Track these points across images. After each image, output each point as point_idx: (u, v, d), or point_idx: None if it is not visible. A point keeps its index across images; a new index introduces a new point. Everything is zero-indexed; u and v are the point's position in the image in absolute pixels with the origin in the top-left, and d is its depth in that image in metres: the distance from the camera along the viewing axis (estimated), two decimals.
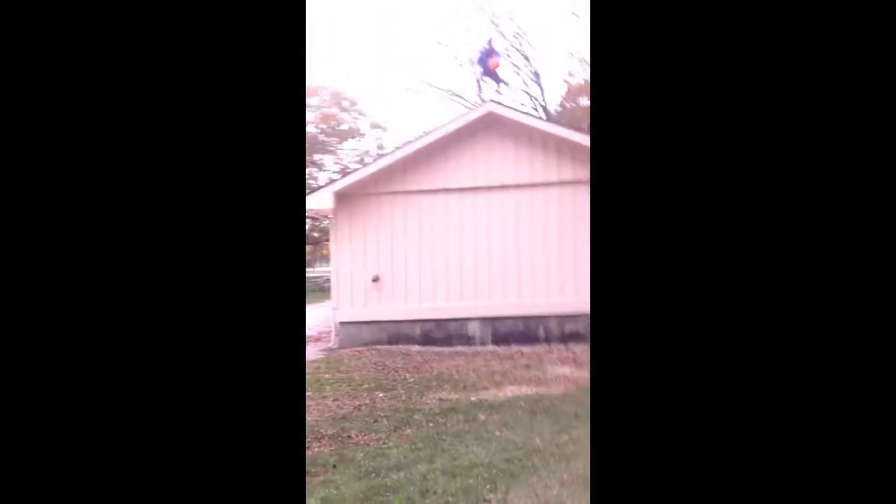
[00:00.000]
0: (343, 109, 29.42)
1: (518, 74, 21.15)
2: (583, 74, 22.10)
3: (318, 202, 9.39)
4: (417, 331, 9.20)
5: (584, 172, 9.17)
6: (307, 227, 25.37)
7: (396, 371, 7.25)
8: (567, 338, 8.90)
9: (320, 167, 29.03)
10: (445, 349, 8.75)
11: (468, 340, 9.12)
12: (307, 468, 3.89)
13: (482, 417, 5.11)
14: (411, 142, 9.80)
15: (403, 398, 5.92)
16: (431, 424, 4.97)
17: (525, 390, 6.09)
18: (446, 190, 9.41)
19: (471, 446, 4.33)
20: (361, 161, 24.92)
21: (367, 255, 9.37)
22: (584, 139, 9.44)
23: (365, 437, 4.68)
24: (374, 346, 8.96)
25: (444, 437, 4.60)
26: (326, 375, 7.03)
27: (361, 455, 4.25)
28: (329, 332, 9.58)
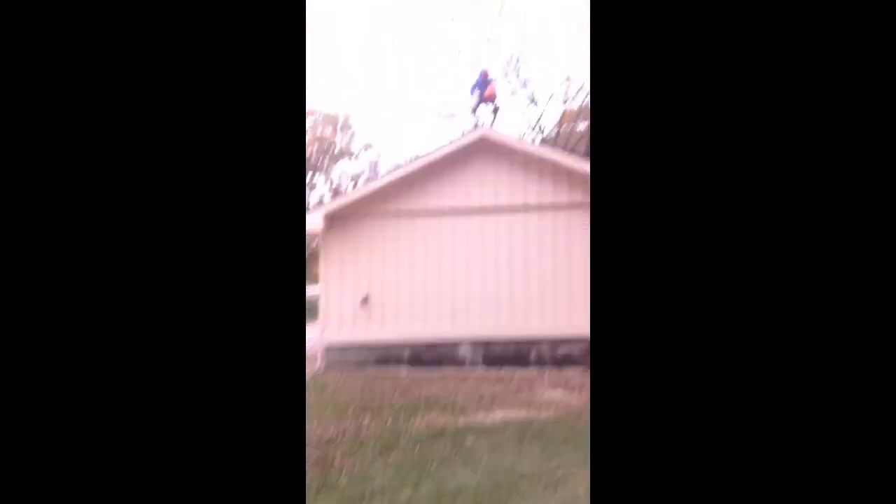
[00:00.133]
0: (336, 130, 29.54)
1: (514, 97, 21.28)
2: (579, 100, 22.27)
3: (308, 223, 9.32)
4: (406, 353, 9.08)
5: (579, 196, 9.17)
6: None
7: (384, 394, 7.11)
8: (559, 361, 8.79)
9: (312, 187, 29.06)
10: (435, 372, 8.62)
11: (458, 363, 8.99)
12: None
13: (470, 442, 4.99)
14: (404, 164, 9.77)
15: (390, 422, 5.79)
16: (418, 449, 4.85)
17: (515, 414, 5.97)
18: (439, 212, 9.36)
19: (458, 472, 4.22)
20: (354, 182, 24.95)
21: (356, 276, 9.27)
22: (579, 163, 9.46)
23: (349, 462, 4.55)
24: (361, 368, 8.83)
25: (430, 461, 4.49)
26: (311, 398, 6.90)
27: (345, 480, 4.13)
28: (315, 354, 9.44)
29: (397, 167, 10.20)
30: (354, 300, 9.19)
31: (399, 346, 9.07)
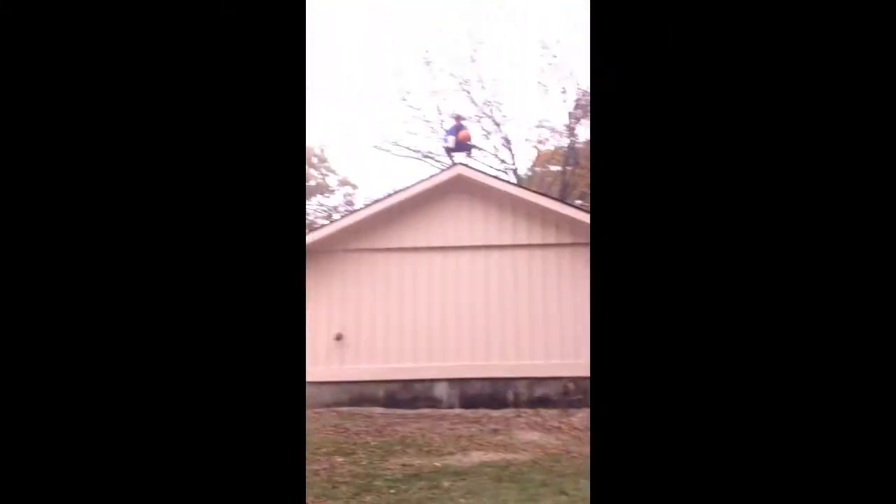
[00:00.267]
0: (311, 165, 29.55)
1: (488, 139, 21.54)
2: (553, 142, 22.62)
3: None
4: (381, 392, 8.92)
5: (553, 237, 9.21)
6: None
7: (358, 434, 6.96)
8: (536, 402, 8.70)
9: None
10: (410, 411, 8.47)
11: (434, 403, 8.84)
12: None
13: (446, 484, 4.87)
14: (380, 200, 9.77)
15: (364, 463, 5.65)
16: (393, 491, 4.72)
17: (492, 456, 5.87)
18: (415, 249, 9.32)
19: None
20: (329, 217, 24.89)
21: (330, 313, 9.14)
22: (553, 204, 9.55)
23: None
24: (335, 408, 8.64)
25: None
26: None
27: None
28: None
29: (373, 202, 10.19)
30: (328, 337, 9.04)
31: (373, 385, 8.92)
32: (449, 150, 10.71)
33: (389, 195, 9.69)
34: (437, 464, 5.57)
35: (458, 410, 8.58)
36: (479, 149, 20.63)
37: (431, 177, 9.75)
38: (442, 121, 21.28)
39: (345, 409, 8.63)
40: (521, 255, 9.25)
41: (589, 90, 19.71)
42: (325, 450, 6.14)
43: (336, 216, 22.13)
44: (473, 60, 20.79)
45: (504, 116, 21.26)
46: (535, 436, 6.89)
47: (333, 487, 4.82)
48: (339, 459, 5.77)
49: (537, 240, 9.26)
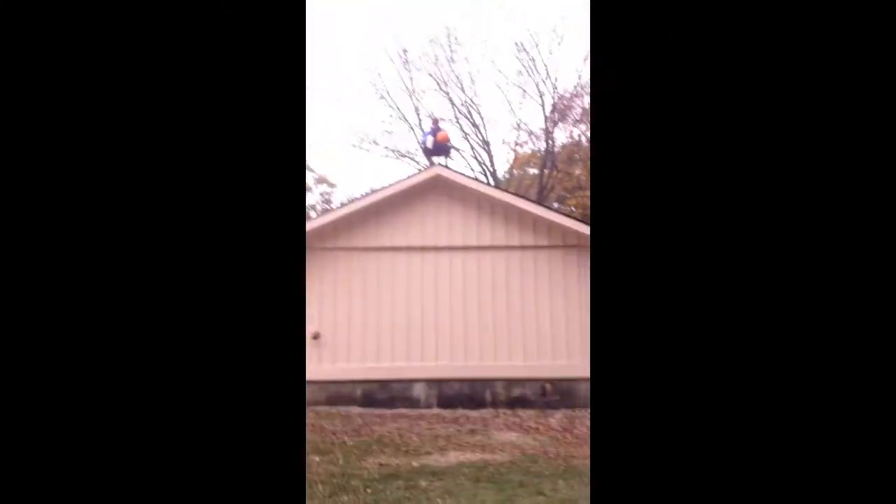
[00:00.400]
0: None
1: (467, 141, 21.57)
2: (530, 145, 22.72)
3: None
4: (359, 392, 8.88)
5: (531, 239, 9.26)
6: None
7: (335, 434, 6.91)
8: (514, 402, 8.73)
9: None
10: (388, 411, 8.45)
11: (412, 403, 8.83)
12: None
13: (424, 484, 4.86)
14: (358, 199, 9.73)
15: (341, 463, 5.61)
16: (370, 491, 4.70)
17: (469, 456, 5.87)
18: (393, 249, 9.30)
19: None
20: (308, 216, 24.71)
21: (308, 312, 9.06)
22: (531, 206, 9.60)
23: None
24: (312, 408, 8.58)
25: None
26: None
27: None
28: None
29: (351, 201, 10.15)
30: (306, 336, 8.98)
31: (351, 385, 8.88)
32: (427, 152, 10.70)
33: (367, 194, 9.67)
34: (415, 464, 5.56)
35: (436, 410, 8.58)
36: (457, 150, 20.68)
37: (410, 177, 9.74)
38: (420, 121, 21.29)
39: (322, 408, 8.58)
40: (499, 256, 9.27)
41: (562, 93, 19.88)
42: None
43: (313, 214, 21.95)
44: (452, 61, 20.81)
45: (482, 118, 21.32)
46: (512, 436, 6.90)
47: (310, 487, 4.78)
48: (316, 459, 5.73)
49: (515, 242, 9.30)
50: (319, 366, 8.91)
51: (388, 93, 21.45)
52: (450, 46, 20.77)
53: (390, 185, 9.47)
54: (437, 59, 20.85)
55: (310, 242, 9.19)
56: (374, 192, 9.62)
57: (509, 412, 8.39)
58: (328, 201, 28.54)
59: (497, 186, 17.14)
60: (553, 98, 20.52)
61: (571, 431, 7.22)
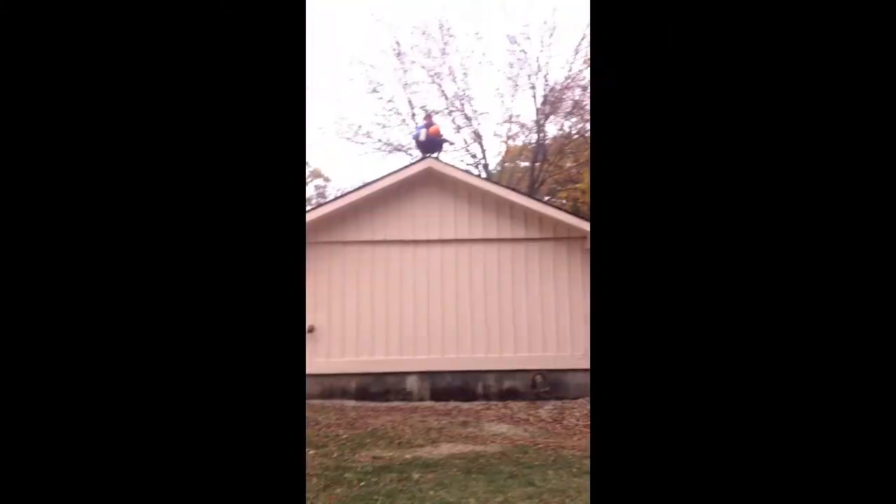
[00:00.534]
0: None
1: (459, 133, 21.58)
2: (522, 138, 22.73)
3: None
4: (353, 385, 8.97)
5: (522, 231, 9.33)
6: None
7: (329, 427, 7.00)
8: (505, 394, 8.83)
9: None
10: (382, 404, 8.54)
11: (406, 395, 8.93)
12: None
13: (416, 476, 4.95)
14: (349, 192, 9.76)
15: (335, 455, 5.70)
16: (363, 483, 4.78)
17: (461, 448, 5.96)
18: (386, 242, 9.36)
19: None
20: None
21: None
22: (522, 199, 9.67)
23: None
24: (306, 401, 8.66)
25: (375, 496, 4.43)
26: None
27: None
28: None
29: (343, 194, 10.18)
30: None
31: (345, 378, 8.96)
32: (420, 144, 10.73)
33: (359, 188, 9.69)
34: (408, 456, 5.64)
35: (428, 403, 8.68)
36: (450, 143, 20.68)
37: (401, 169, 9.76)
38: (413, 113, 21.27)
39: (316, 401, 8.67)
40: (490, 249, 9.35)
41: (553, 85, 19.88)
42: None
43: (308, 207, 21.96)
44: (445, 53, 20.79)
45: (475, 111, 21.31)
46: (503, 428, 7.00)
47: (305, 479, 4.87)
48: (311, 452, 5.81)
49: (506, 234, 9.37)
50: (314, 359, 8.98)
51: (381, 85, 21.40)
52: (443, 39, 20.73)
53: (382, 178, 9.49)
54: (429, 52, 20.83)
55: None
56: (366, 185, 9.64)
57: (500, 404, 8.50)
58: (322, 195, 28.54)
59: (489, 179, 17.19)
60: (544, 90, 20.53)
61: (561, 422, 7.32)
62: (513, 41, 20.40)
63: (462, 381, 8.96)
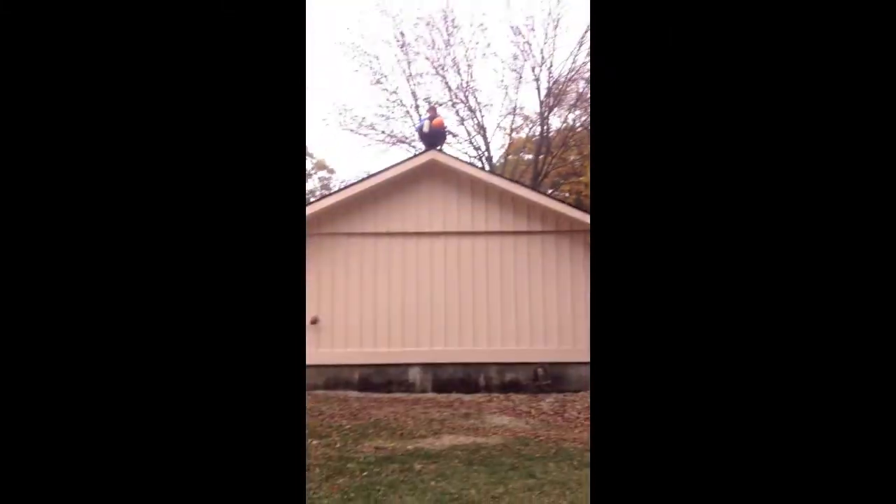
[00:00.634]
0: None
1: (463, 126, 21.57)
2: (525, 130, 22.71)
3: None
4: (356, 376, 9.03)
5: (525, 224, 9.35)
6: None
7: (332, 417, 7.06)
8: (507, 387, 8.88)
9: None
10: (385, 395, 8.60)
11: (408, 387, 8.99)
12: None
13: (418, 467, 5.00)
14: (353, 184, 9.79)
15: (338, 446, 5.75)
16: (365, 473, 4.84)
17: (463, 440, 6.01)
18: (389, 234, 9.40)
19: (405, 497, 4.23)
20: (306, 201, 24.75)
21: (306, 297, 9.18)
22: (525, 192, 9.69)
23: None
24: (310, 392, 8.72)
25: (377, 486, 4.48)
26: None
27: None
28: None
29: (346, 186, 10.21)
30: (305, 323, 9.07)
31: (349, 369, 9.02)
32: (423, 136, 10.75)
33: (363, 179, 9.72)
34: (410, 447, 5.70)
35: (431, 395, 8.73)
36: (454, 135, 20.68)
37: (405, 161, 9.78)
38: (417, 105, 21.25)
39: (320, 392, 8.74)
40: (493, 242, 9.38)
41: (557, 77, 19.83)
42: None
43: (311, 199, 22.00)
44: (449, 45, 20.75)
45: (479, 103, 21.27)
46: (505, 420, 7.05)
47: (307, 470, 4.92)
48: (314, 442, 5.87)
49: (509, 227, 9.40)
50: (317, 350, 9.04)
51: (384, 77, 21.38)
52: (447, 30, 20.69)
53: (385, 170, 9.52)
54: (434, 43, 20.78)
55: (307, 228, 9.28)
56: (369, 176, 9.67)
57: (502, 396, 8.54)
58: (327, 187, 28.56)
59: (492, 171, 17.18)
60: (548, 83, 20.50)
61: (562, 415, 7.37)
62: (517, 32, 20.36)
63: (464, 373, 9.01)
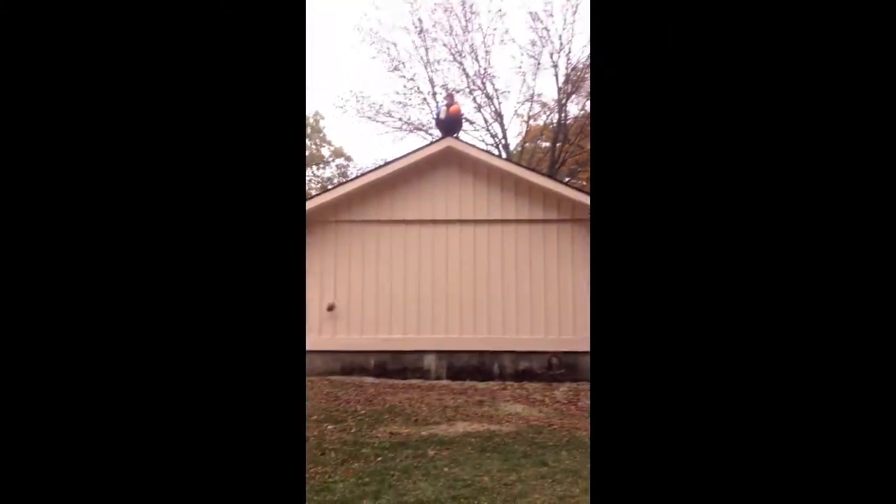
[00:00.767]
0: (306, 136, 29.43)
1: (480, 113, 21.50)
2: (543, 117, 22.59)
3: None
4: (372, 362, 9.11)
5: (541, 212, 9.35)
6: None
7: (348, 402, 7.15)
8: (521, 375, 8.93)
9: None
10: (400, 382, 8.67)
11: (423, 373, 9.06)
12: None
13: (431, 453, 5.06)
14: (370, 171, 9.83)
15: (353, 431, 5.83)
16: (380, 459, 4.91)
17: (476, 427, 6.06)
18: (405, 221, 9.44)
19: (418, 482, 4.29)
20: (323, 188, 24.86)
21: (323, 283, 9.28)
22: (542, 180, 9.68)
23: (311, 471, 4.58)
24: (326, 377, 8.83)
25: (391, 472, 4.55)
26: None
27: (305, 489, 4.16)
28: None
29: (363, 174, 10.25)
30: (321, 307, 9.20)
31: (364, 355, 9.10)
32: (440, 123, 10.75)
33: (380, 167, 9.75)
34: (424, 433, 5.76)
35: (445, 382, 8.80)
36: (471, 122, 20.63)
37: (422, 148, 9.79)
38: (434, 92, 21.22)
39: (337, 377, 8.83)
40: (509, 230, 9.38)
41: (575, 64, 19.67)
42: (315, 417, 6.33)
43: (330, 187, 22.09)
44: (467, 31, 20.66)
45: (496, 90, 21.19)
46: (518, 408, 7.09)
47: (322, 454, 5.00)
48: (330, 427, 5.95)
49: (525, 215, 9.39)
50: (334, 337, 9.14)
51: (402, 64, 21.35)
52: (465, 16, 20.59)
53: (402, 157, 9.55)
54: (451, 30, 20.70)
55: (324, 215, 9.36)
56: (386, 164, 9.70)
57: (516, 384, 8.59)
58: (344, 174, 28.65)
59: (509, 159, 17.14)
60: (567, 69, 20.35)
61: (576, 404, 7.40)
62: (535, 18, 20.22)
63: (478, 360, 9.06)
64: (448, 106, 10.65)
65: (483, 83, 21.03)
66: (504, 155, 20.21)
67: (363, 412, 6.64)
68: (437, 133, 11.61)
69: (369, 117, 22.20)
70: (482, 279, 9.26)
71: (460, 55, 20.86)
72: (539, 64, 20.52)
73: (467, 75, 20.97)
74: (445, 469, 4.61)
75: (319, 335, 9.13)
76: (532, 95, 21.48)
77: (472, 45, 20.77)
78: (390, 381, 8.68)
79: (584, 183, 21.12)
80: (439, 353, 9.11)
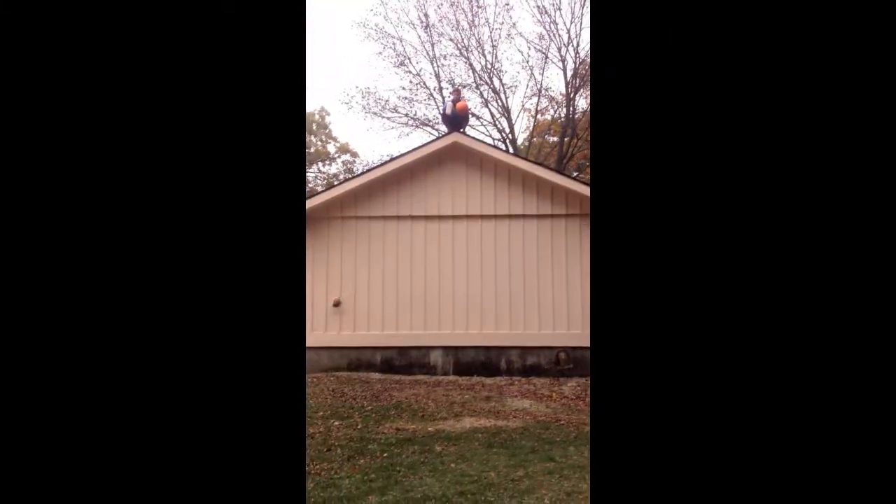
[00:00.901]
0: (311, 132, 29.47)
1: (487, 108, 21.44)
2: (551, 112, 22.51)
3: None
4: (378, 358, 9.10)
5: (549, 207, 9.30)
6: None
7: (354, 399, 7.14)
8: (528, 370, 8.89)
9: None
10: (406, 377, 8.66)
11: (430, 369, 9.04)
12: None
13: (438, 449, 5.04)
14: (376, 167, 9.81)
15: (360, 427, 5.82)
16: (386, 455, 4.89)
17: (483, 422, 6.04)
18: (412, 217, 9.41)
19: (425, 478, 4.27)
20: (330, 184, 24.88)
21: (329, 280, 9.28)
22: (550, 174, 9.63)
23: (317, 466, 4.57)
24: (333, 373, 8.83)
25: (398, 468, 4.53)
26: None
27: (312, 485, 4.15)
28: None
29: (369, 169, 10.23)
30: (327, 303, 9.19)
31: (371, 351, 9.09)
32: (446, 119, 10.71)
33: (386, 162, 9.73)
34: (431, 429, 5.74)
35: (452, 377, 8.77)
36: (478, 117, 20.57)
37: (428, 144, 9.77)
38: (441, 87, 21.18)
39: (343, 373, 8.83)
40: (516, 225, 9.34)
41: (584, 58, 19.58)
42: (321, 413, 6.32)
43: (336, 183, 22.10)
44: (474, 25, 20.58)
45: (503, 84, 21.13)
46: (526, 403, 7.07)
47: (328, 450, 4.99)
48: (336, 423, 5.94)
49: (532, 210, 9.34)
50: (340, 333, 9.13)
51: (408, 59, 21.30)
52: (472, 10, 20.52)
53: (408, 153, 9.53)
54: (458, 24, 20.64)
55: (330, 212, 9.34)
56: (392, 159, 9.68)
57: (523, 380, 8.56)
58: (350, 170, 28.66)
59: (516, 154, 17.07)
60: (574, 64, 20.25)
61: (584, 399, 7.36)
62: (543, 12, 20.13)
63: (485, 356, 9.04)
64: (455, 102, 10.61)
65: (490, 78, 20.98)
66: (511, 150, 20.15)
67: (369, 408, 6.63)
68: (443, 128, 11.56)
69: (375, 113, 22.20)
70: (489, 274, 9.22)
71: (467, 50, 20.81)
72: (547, 58, 20.45)
73: (474, 70, 20.92)
74: (452, 465, 4.59)
75: (325, 331, 9.13)
76: (539, 90, 21.41)
77: (478, 40, 20.71)
78: (397, 377, 8.67)
79: None
80: (446, 349, 9.09)
